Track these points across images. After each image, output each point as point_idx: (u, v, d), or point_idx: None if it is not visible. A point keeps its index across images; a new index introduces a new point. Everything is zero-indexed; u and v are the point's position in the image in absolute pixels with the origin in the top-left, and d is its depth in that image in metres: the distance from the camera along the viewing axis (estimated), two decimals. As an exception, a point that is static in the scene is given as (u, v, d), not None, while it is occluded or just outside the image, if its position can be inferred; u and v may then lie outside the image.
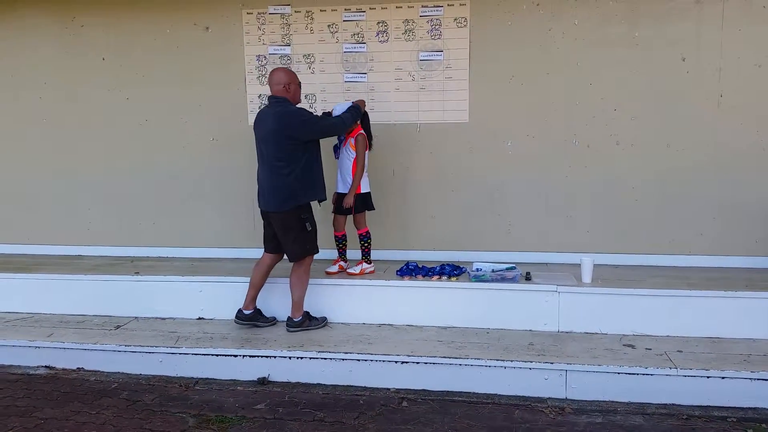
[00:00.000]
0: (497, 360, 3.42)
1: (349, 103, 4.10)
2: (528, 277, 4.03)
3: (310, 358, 3.60)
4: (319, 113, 4.55)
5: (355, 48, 4.65)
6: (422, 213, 4.74)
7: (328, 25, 4.67)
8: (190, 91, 4.89)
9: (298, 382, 3.60)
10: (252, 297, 3.98)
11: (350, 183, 4.11)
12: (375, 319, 4.07)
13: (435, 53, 4.57)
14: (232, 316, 4.03)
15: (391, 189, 4.71)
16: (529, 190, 4.59)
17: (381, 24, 4.61)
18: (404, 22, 4.57)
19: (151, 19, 4.86)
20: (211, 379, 3.68)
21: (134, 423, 3.14)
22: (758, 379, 3.19)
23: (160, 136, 4.99)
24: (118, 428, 3.10)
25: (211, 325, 4.14)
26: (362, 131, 4.13)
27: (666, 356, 3.42)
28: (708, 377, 3.22)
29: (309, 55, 4.73)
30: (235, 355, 3.68)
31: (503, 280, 3.97)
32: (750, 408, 3.18)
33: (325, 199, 3.99)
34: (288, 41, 4.74)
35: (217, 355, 3.69)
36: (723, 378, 3.21)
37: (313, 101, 4.76)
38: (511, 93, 4.51)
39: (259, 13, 4.74)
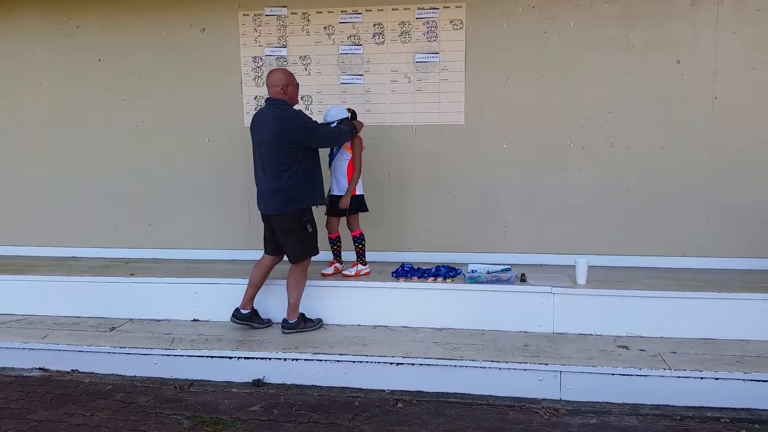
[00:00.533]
0: (492, 361, 3.43)
1: (344, 108, 4.11)
2: (523, 279, 4.04)
3: (306, 360, 3.60)
4: (315, 115, 4.56)
5: (351, 50, 4.66)
6: (418, 214, 4.75)
7: (324, 27, 4.68)
8: (186, 92, 4.89)
9: (293, 384, 3.60)
10: (250, 296, 3.97)
11: (344, 185, 4.12)
12: (370, 321, 4.07)
13: (431, 55, 4.58)
14: (227, 317, 4.02)
15: (386, 190, 4.72)
16: (524, 191, 4.60)
17: (377, 26, 4.61)
18: (400, 24, 4.58)
19: (147, 21, 4.86)
20: (205, 380, 3.68)
21: (129, 425, 3.14)
22: (751, 380, 3.20)
23: (156, 138, 4.99)
24: (112, 430, 3.09)
25: (206, 326, 4.14)
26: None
27: (660, 357, 3.43)
28: (701, 378, 3.23)
29: (305, 56, 4.73)
30: (230, 357, 3.67)
31: (498, 281, 3.97)
32: (743, 409, 3.19)
33: (324, 204, 3.99)
34: (284, 43, 4.74)
35: (212, 357, 3.69)
36: (716, 379, 3.22)
37: (309, 103, 4.76)
38: (506, 95, 4.52)
39: (255, 15, 4.75)
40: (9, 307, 4.49)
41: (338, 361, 3.57)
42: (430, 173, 4.70)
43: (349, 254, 4.35)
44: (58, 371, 3.84)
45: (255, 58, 4.79)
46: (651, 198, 4.47)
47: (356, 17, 4.63)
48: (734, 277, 4.14)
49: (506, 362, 3.41)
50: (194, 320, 4.26)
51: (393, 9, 4.58)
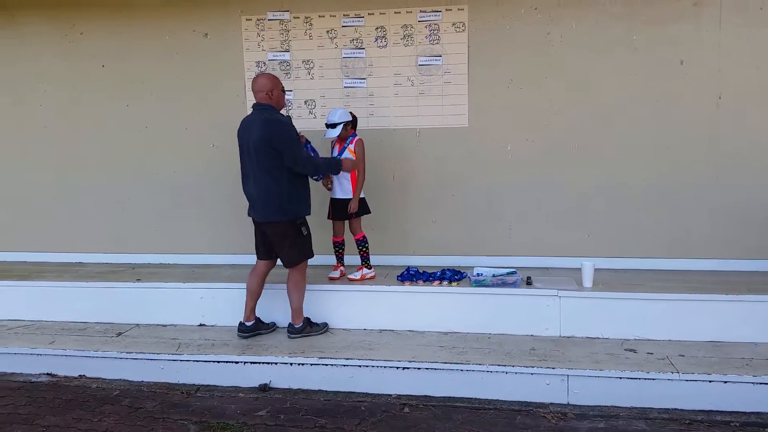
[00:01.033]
0: (499, 365, 3.42)
1: (347, 112, 4.10)
2: (529, 282, 4.03)
3: (312, 365, 3.60)
4: (318, 118, 4.56)
5: (354, 53, 4.66)
6: (423, 218, 4.74)
7: (327, 31, 4.68)
8: (190, 97, 4.90)
9: (300, 389, 3.60)
10: (251, 308, 3.95)
11: (348, 188, 4.13)
12: (376, 325, 4.07)
13: (434, 58, 4.57)
14: (234, 322, 4.03)
15: (391, 194, 4.72)
16: (529, 194, 4.59)
17: (379, 29, 4.61)
18: (403, 27, 4.58)
19: (150, 27, 4.88)
20: (212, 385, 3.68)
21: (136, 430, 3.14)
22: (761, 384, 3.18)
23: (161, 143, 5.00)
24: (119, 436, 3.10)
25: (212, 331, 4.14)
26: (359, 136, 4.15)
27: (668, 361, 3.41)
28: (710, 381, 3.21)
29: (308, 60, 4.74)
30: (237, 362, 3.67)
31: (504, 284, 3.96)
32: (753, 413, 3.16)
33: (309, 215, 3.86)
34: (287, 47, 4.75)
35: (218, 362, 3.69)
36: (725, 382, 3.20)
37: (312, 107, 4.77)
38: (510, 97, 4.51)
39: (258, 20, 4.75)
40: (16, 313, 4.51)
41: (344, 365, 3.57)
42: (434, 176, 4.69)
43: (352, 258, 4.34)
44: (65, 377, 3.86)
45: (258, 62, 4.79)
46: (657, 199, 4.45)
47: (359, 21, 4.63)
48: (742, 279, 4.12)
49: (513, 366, 3.40)
50: (200, 325, 4.27)
51: (395, 12, 4.57)
